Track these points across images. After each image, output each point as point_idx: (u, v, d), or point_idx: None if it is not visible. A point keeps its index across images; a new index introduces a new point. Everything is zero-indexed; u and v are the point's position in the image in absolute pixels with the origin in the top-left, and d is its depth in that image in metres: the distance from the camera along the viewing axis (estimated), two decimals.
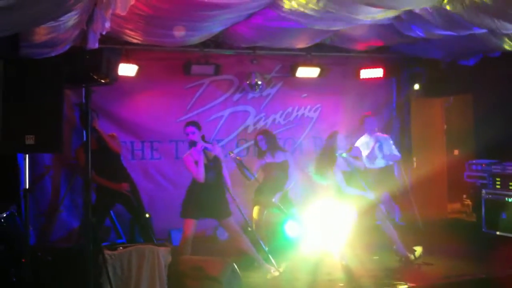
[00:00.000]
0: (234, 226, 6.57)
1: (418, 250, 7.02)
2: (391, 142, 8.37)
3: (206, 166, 6.37)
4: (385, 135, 8.45)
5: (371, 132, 8.25)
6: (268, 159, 7.33)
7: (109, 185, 6.89)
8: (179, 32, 6.31)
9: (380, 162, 8.21)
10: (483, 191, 8.10)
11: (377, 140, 8.19)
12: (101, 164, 6.56)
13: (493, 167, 8.13)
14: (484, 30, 6.35)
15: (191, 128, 6.42)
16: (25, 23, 4.27)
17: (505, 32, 6.16)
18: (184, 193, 6.56)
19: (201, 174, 6.31)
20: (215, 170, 6.48)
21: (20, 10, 3.54)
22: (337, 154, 6.87)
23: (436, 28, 6.43)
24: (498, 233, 7.78)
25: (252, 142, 8.17)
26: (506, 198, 7.77)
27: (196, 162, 6.33)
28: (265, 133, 7.59)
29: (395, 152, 8.27)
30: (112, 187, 6.90)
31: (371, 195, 6.93)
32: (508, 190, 7.81)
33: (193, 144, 6.33)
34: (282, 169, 7.33)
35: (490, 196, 8.02)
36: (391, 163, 8.38)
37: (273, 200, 7.15)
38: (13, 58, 4.96)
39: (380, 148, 8.18)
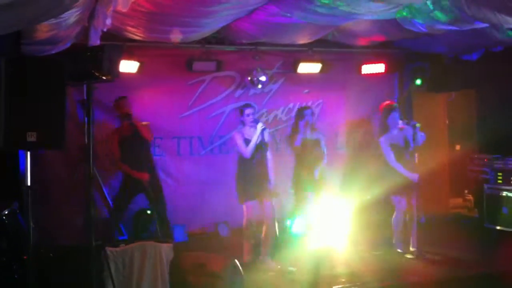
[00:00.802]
0: (271, 210, 6.74)
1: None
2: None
3: (257, 146, 6.65)
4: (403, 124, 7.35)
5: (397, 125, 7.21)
6: (308, 135, 7.30)
7: (131, 173, 7.06)
8: (175, 36, 6.39)
9: None
10: (485, 186, 8.10)
11: (406, 131, 7.23)
12: (128, 151, 6.88)
13: (494, 162, 8.13)
14: (486, 25, 6.33)
15: (250, 110, 6.82)
16: (25, 21, 4.27)
17: (507, 26, 6.14)
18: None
19: (249, 151, 6.61)
20: (263, 151, 6.74)
21: (20, 8, 3.54)
22: (413, 124, 6.92)
23: (438, 23, 6.41)
24: (498, 227, 7.79)
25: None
26: (507, 193, 7.77)
27: (247, 141, 6.63)
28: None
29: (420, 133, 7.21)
30: (133, 175, 7.06)
31: (415, 177, 6.92)
32: (510, 185, 7.82)
33: (254, 122, 6.67)
34: (318, 145, 7.35)
35: (491, 191, 8.01)
36: None
37: (315, 175, 7.17)
38: (14, 55, 4.95)
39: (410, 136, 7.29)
